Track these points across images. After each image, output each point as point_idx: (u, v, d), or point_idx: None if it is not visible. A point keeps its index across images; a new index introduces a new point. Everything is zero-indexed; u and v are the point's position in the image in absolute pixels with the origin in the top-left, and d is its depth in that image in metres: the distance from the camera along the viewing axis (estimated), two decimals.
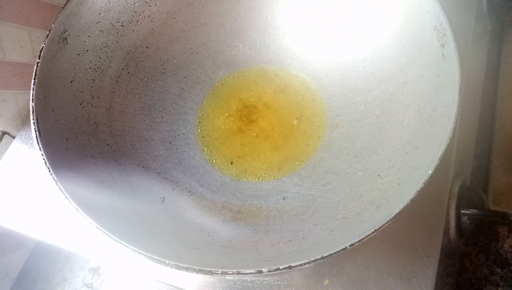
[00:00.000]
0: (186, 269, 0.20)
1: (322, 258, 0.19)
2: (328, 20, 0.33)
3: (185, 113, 0.36)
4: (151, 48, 0.36)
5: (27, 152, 0.41)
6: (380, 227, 0.19)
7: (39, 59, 0.28)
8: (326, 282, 0.28)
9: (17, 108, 0.43)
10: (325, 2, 0.33)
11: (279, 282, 0.29)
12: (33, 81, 0.27)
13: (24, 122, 0.44)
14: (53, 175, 0.24)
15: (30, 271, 0.57)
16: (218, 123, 0.36)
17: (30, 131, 0.27)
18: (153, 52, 0.36)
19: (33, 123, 0.26)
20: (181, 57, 0.37)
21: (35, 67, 0.28)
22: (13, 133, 0.43)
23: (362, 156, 0.29)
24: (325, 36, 0.34)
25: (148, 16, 0.35)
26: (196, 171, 0.33)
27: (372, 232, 0.19)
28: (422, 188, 0.20)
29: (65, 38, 0.30)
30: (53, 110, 0.28)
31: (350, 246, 0.19)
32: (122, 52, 0.34)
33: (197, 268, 0.20)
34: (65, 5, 0.30)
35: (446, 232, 0.28)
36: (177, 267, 0.20)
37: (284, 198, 0.30)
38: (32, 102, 0.27)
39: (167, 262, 0.20)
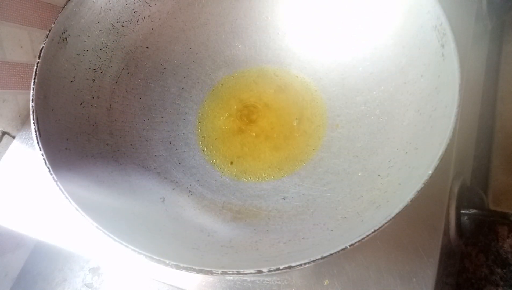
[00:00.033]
0: (186, 269, 0.20)
1: (322, 258, 0.19)
2: (328, 20, 0.33)
3: (185, 113, 0.36)
4: (151, 48, 0.36)
5: (27, 152, 0.41)
6: (380, 227, 0.19)
7: (39, 59, 0.28)
8: (326, 282, 0.28)
9: (17, 108, 0.43)
10: (325, 2, 0.33)
11: (279, 282, 0.29)
12: (33, 81, 0.27)
13: (24, 122, 0.44)
14: (53, 175, 0.24)
15: (30, 271, 0.57)
16: (218, 123, 0.36)
17: (30, 131, 0.27)
18: (153, 52, 0.36)
19: (33, 123, 0.26)
20: (181, 57, 0.37)
21: (35, 67, 0.28)
22: (13, 133, 0.43)
23: (362, 156, 0.29)
24: (325, 36, 0.34)
25: (148, 16, 0.35)
26: (196, 171, 0.33)
27: (372, 232, 0.19)
28: (422, 188, 0.20)
29: (65, 38, 0.30)
30: (53, 110, 0.28)
31: (350, 246, 0.19)
32: (122, 52, 0.34)
33: (197, 268, 0.20)
34: (65, 5, 0.30)
35: (446, 232, 0.28)
36: (177, 267, 0.20)
37: (284, 198, 0.30)
38: (32, 102, 0.27)
39: (167, 262, 0.20)
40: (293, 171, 0.32)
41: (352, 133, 0.31)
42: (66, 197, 0.23)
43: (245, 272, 0.19)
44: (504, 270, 0.34)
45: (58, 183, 0.24)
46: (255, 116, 0.35)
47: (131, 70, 0.35)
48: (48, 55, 0.29)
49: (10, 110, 0.42)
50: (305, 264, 0.19)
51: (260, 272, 0.19)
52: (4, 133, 0.42)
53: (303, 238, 0.24)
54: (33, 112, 0.26)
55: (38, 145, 0.25)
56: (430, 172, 0.20)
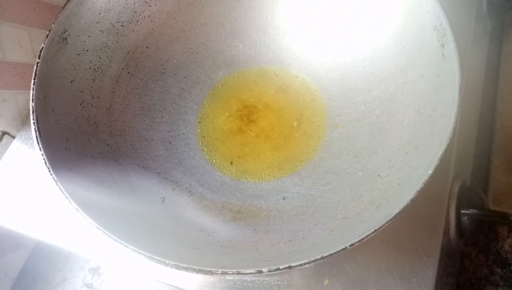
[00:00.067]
0: (186, 269, 0.20)
1: (322, 258, 0.19)
2: (328, 20, 0.33)
3: (185, 113, 0.36)
4: (151, 48, 0.36)
5: (27, 152, 0.41)
6: (380, 227, 0.19)
7: (39, 59, 0.28)
8: (326, 282, 0.28)
9: (17, 108, 0.43)
10: (325, 2, 0.33)
11: (279, 282, 0.29)
12: (33, 81, 0.27)
13: (24, 122, 0.44)
14: (53, 175, 0.24)
15: (30, 271, 0.57)
16: (218, 123, 0.36)
17: (30, 131, 0.27)
18: (153, 52, 0.36)
19: (33, 123, 0.26)
20: (181, 57, 0.37)
21: (35, 67, 0.28)
22: (13, 133, 0.43)
23: (362, 156, 0.29)
24: (325, 36, 0.34)
25: (148, 16, 0.35)
26: (196, 171, 0.33)
27: (372, 232, 0.19)
28: (422, 188, 0.20)
29: (65, 38, 0.30)
30: (53, 110, 0.28)
31: (350, 246, 0.19)
32: (122, 52, 0.34)
33: (197, 268, 0.20)
34: (65, 5, 0.30)
35: (446, 232, 0.28)
36: (177, 267, 0.20)
37: (284, 198, 0.30)
38: (32, 102, 0.27)
39: (167, 262, 0.20)
40: (293, 171, 0.32)
41: (352, 133, 0.31)
42: (66, 197, 0.23)
43: (245, 272, 0.19)
44: (504, 270, 0.34)
45: (58, 183, 0.24)
46: (255, 116, 0.35)
47: (131, 70, 0.35)
48: (48, 55, 0.29)
49: (10, 110, 0.42)
50: (305, 264, 0.19)
51: (260, 272, 0.19)
52: (4, 133, 0.42)
53: (303, 238, 0.24)
54: (33, 112, 0.26)
55: (38, 145, 0.25)
56: (430, 172, 0.20)
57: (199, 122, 0.36)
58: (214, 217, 0.29)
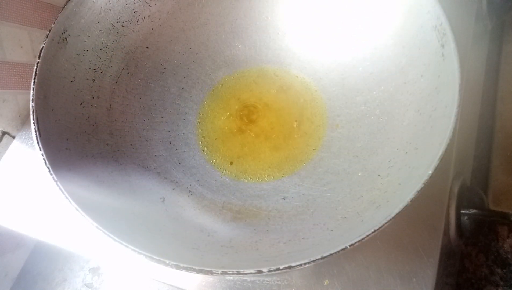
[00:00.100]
0: (186, 269, 0.20)
1: (322, 258, 0.19)
2: (328, 20, 0.33)
3: (185, 113, 0.36)
4: (151, 48, 0.36)
5: (27, 152, 0.41)
6: (380, 227, 0.19)
7: (39, 59, 0.28)
8: (326, 282, 0.28)
9: (17, 108, 0.43)
10: (325, 2, 0.33)
11: (279, 282, 0.29)
12: (33, 81, 0.27)
13: (24, 122, 0.44)
14: (53, 175, 0.24)
15: (30, 271, 0.57)
16: (218, 123, 0.36)
17: (30, 131, 0.27)
18: (153, 52, 0.36)
19: (33, 123, 0.26)
20: (181, 57, 0.37)
21: (35, 67, 0.28)
22: (13, 133, 0.43)
23: (362, 156, 0.29)
24: (325, 36, 0.34)
25: (148, 16, 0.35)
26: (196, 171, 0.33)
27: (372, 232, 0.19)
28: (422, 188, 0.20)
29: (65, 38, 0.30)
30: (53, 110, 0.28)
31: (350, 246, 0.19)
32: (122, 52, 0.34)
33: (197, 268, 0.20)
34: (65, 5, 0.30)
35: (446, 232, 0.28)
36: (177, 267, 0.20)
37: (284, 198, 0.30)
38: (32, 102, 0.27)
39: (167, 262, 0.20)
40: (293, 171, 0.32)
41: (352, 133, 0.31)
42: (66, 197, 0.23)
43: (245, 272, 0.19)
44: (504, 270, 0.34)
45: (58, 183, 0.24)
46: (255, 116, 0.35)
47: (131, 70, 0.35)
48: (48, 55, 0.29)
49: (10, 110, 0.42)
50: (305, 264, 0.19)
51: (260, 272, 0.19)
52: (4, 133, 0.42)
53: (303, 238, 0.24)
54: (33, 112, 0.26)
55: (38, 145, 0.25)
56: (430, 172, 0.20)
57: (199, 122, 0.36)
58: (214, 217, 0.29)
